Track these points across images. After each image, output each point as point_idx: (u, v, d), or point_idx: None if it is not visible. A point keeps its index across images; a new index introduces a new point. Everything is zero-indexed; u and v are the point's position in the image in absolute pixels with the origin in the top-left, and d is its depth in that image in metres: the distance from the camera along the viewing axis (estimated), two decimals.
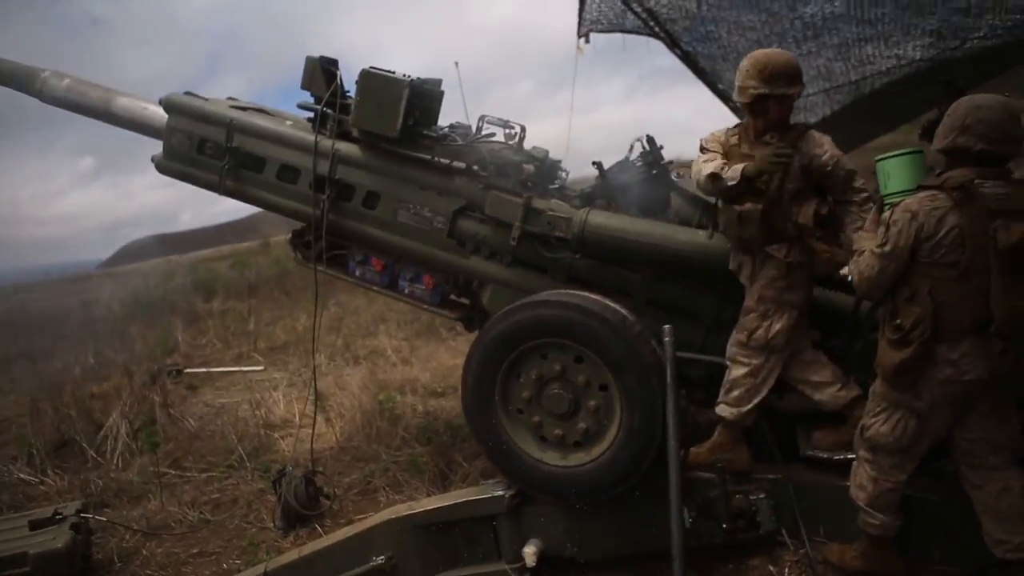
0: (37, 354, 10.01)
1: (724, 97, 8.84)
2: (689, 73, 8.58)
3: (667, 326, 3.05)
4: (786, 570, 3.04)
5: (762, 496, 3.08)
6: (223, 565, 4.01)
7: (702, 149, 3.15)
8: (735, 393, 3.14)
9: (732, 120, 9.26)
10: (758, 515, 3.06)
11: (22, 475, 5.40)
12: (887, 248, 2.52)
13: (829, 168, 2.98)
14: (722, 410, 3.18)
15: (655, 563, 3.18)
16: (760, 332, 3.07)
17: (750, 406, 3.13)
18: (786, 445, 3.29)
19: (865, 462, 2.76)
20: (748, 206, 2.96)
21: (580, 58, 8.09)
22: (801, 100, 9.04)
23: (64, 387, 7.34)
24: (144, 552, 4.22)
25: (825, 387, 3.17)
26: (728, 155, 3.07)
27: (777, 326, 3.05)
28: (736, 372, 3.15)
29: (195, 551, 4.19)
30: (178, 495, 4.86)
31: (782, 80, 2.94)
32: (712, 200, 3.27)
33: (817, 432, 3.24)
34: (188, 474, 5.18)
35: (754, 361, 3.11)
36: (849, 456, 3.06)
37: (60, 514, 3.88)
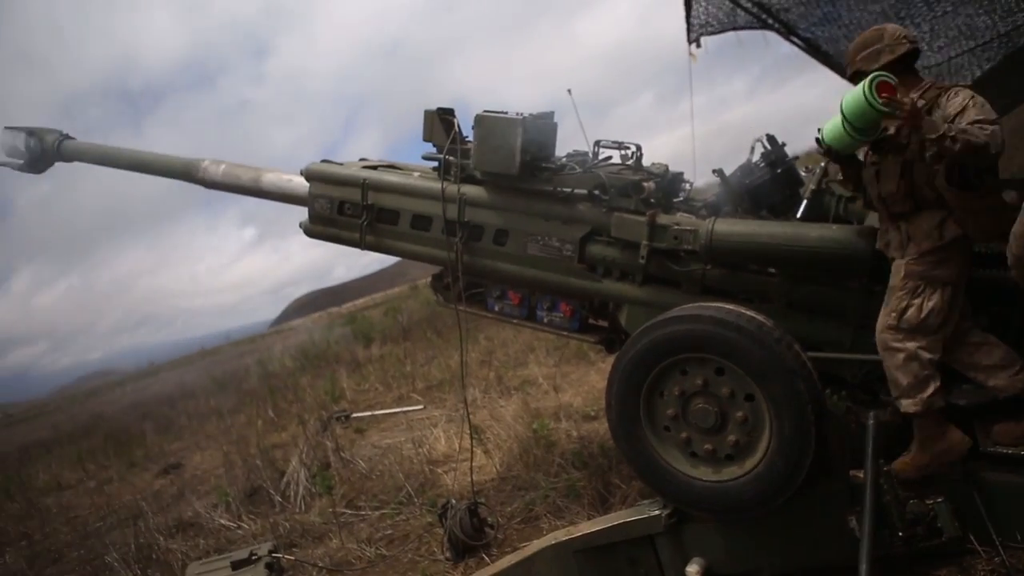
0: (225, 411, 11.04)
1: None
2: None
3: (872, 413, 2.95)
4: None
5: (940, 500, 2.86)
6: None
7: None
8: (905, 383, 2.90)
9: None
10: (938, 520, 2.84)
11: (222, 521, 5.99)
12: None
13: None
14: (905, 406, 2.93)
15: None
16: (911, 312, 2.86)
17: (930, 391, 2.87)
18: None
19: None
20: (888, 159, 2.86)
21: (695, 64, 7.98)
22: (945, 64, 8.40)
23: (250, 439, 8.09)
24: None
25: (999, 371, 2.91)
26: None
27: (930, 304, 2.84)
28: (894, 360, 2.92)
29: None
30: (355, 533, 5.19)
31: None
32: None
33: (998, 426, 2.97)
34: (363, 512, 5.52)
35: (909, 345, 2.88)
36: None
37: (256, 555, 4.27)
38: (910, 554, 2.93)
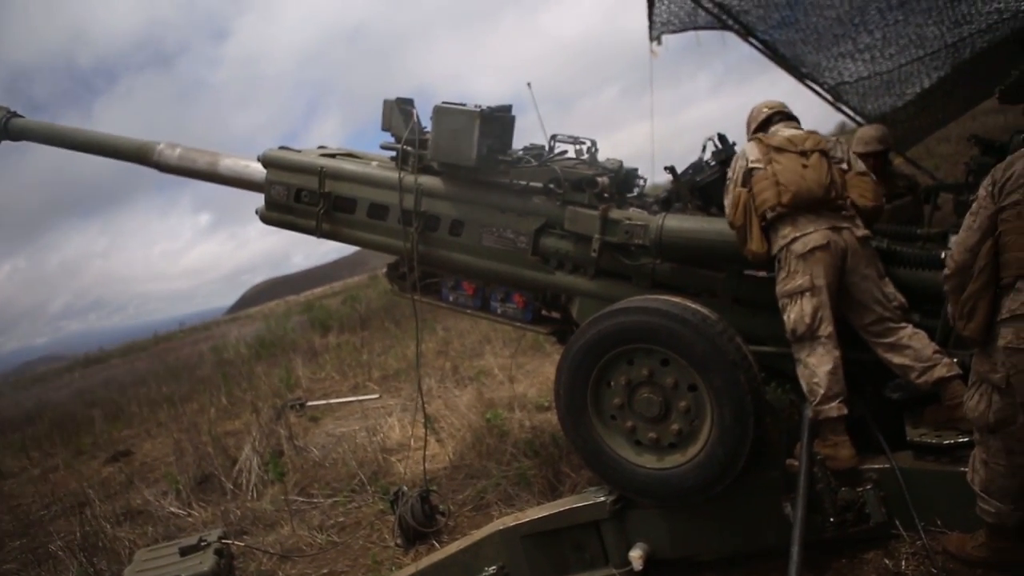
0: (177, 398, 10.87)
1: (809, 81, 8.57)
2: None
3: (807, 405, 3.14)
4: (903, 563, 2.94)
5: (868, 488, 3.00)
6: None
7: None
8: (805, 389, 3.17)
9: (820, 104, 8.94)
10: (866, 507, 2.98)
11: (172, 509, 5.92)
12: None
13: None
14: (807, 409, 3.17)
15: (765, 561, 3.16)
16: (788, 325, 3.16)
17: (816, 400, 3.11)
18: (896, 434, 3.20)
19: (977, 443, 2.66)
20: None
21: (657, 61, 8.08)
22: (895, 71, 8.64)
23: (202, 427, 8.00)
24: (280, 574, 4.56)
25: (910, 370, 3.11)
26: None
27: (793, 315, 3.12)
28: (797, 370, 3.19)
29: (325, 571, 4.48)
30: (307, 520, 5.20)
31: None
32: None
33: (928, 408, 3.18)
34: (315, 500, 5.52)
35: (800, 355, 3.16)
36: (960, 440, 2.95)
37: (205, 541, 4.23)
38: (840, 539, 3.08)
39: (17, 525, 6.80)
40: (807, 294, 3.10)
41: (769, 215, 3.21)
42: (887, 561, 2.98)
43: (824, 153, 3.28)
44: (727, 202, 3.35)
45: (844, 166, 3.34)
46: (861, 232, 3.20)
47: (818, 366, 3.10)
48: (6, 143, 5.69)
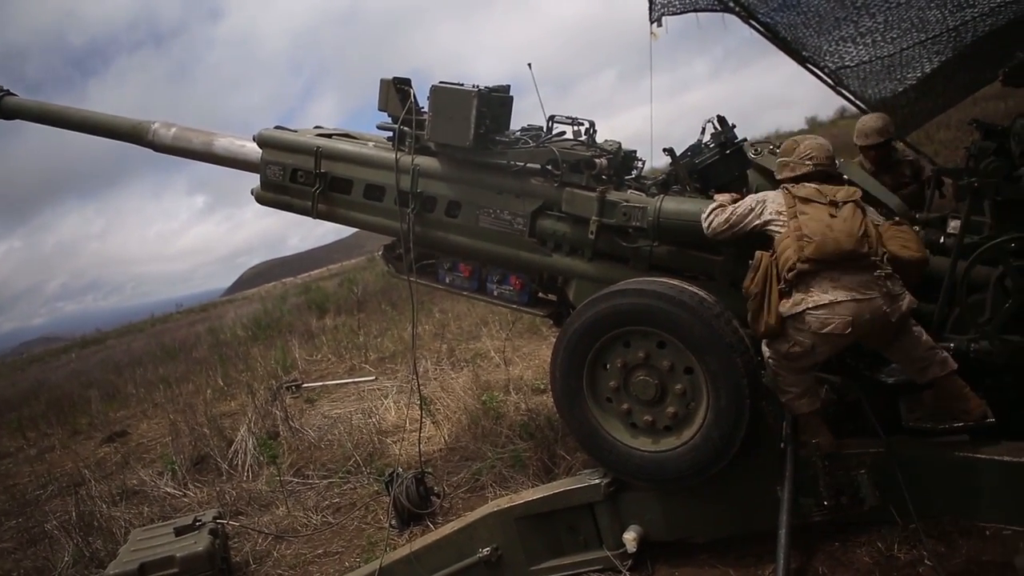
0: (173, 379, 10.86)
1: (810, 64, 8.50)
2: None
3: None
4: (895, 546, 2.96)
5: (863, 472, 3.00)
6: (345, 563, 4.28)
7: None
8: (773, 386, 3.19)
9: (822, 88, 8.87)
10: (860, 491, 2.99)
11: (168, 489, 5.93)
12: None
13: None
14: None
15: (758, 543, 3.17)
16: (775, 354, 3.10)
17: (788, 397, 3.14)
18: (891, 419, 3.20)
19: None
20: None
21: (657, 43, 8.00)
22: (897, 55, 8.57)
23: (198, 408, 8.00)
24: (275, 554, 4.57)
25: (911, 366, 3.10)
26: None
27: (784, 349, 3.06)
28: (767, 363, 3.19)
29: (320, 552, 4.49)
30: (302, 501, 5.20)
31: None
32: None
33: (925, 391, 3.16)
34: (310, 481, 5.52)
35: (766, 350, 3.15)
36: (955, 425, 2.95)
37: (200, 521, 4.26)
38: (835, 522, 3.09)
39: (13, 505, 6.80)
40: (803, 357, 3.01)
41: (787, 276, 2.91)
42: (880, 545, 3.00)
43: (859, 205, 3.00)
44: (720, 218, 3.17)
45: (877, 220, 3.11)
46: (898, 304, 2.88)
47: (788, 378, 3.12)
48: (0, 122, 5.64)
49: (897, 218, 3.22)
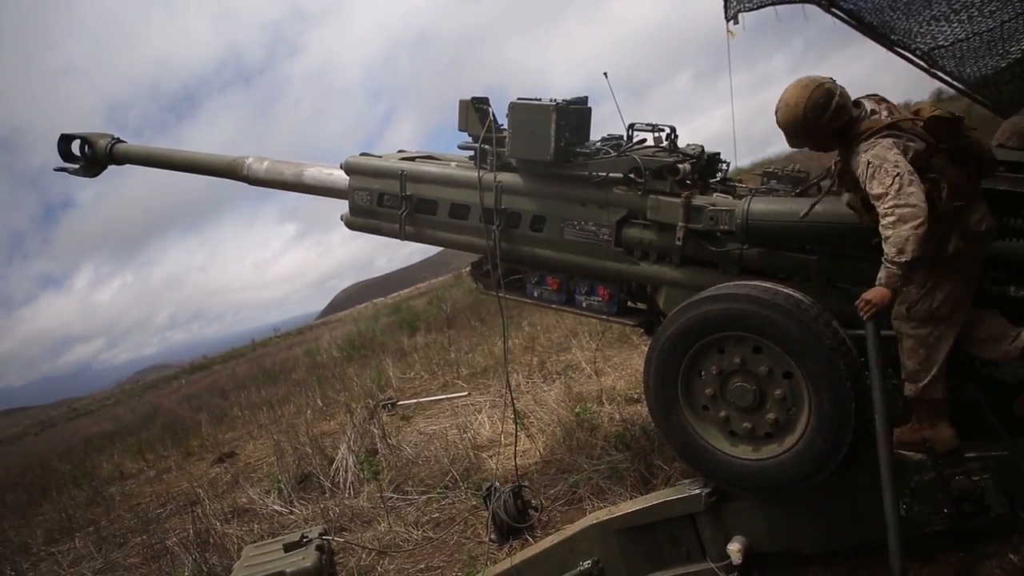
0: (275, 401, 11.33)
1: (900, 48, 8.11)
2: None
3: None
4: None
5: (987, 476, 2.82)
6: None
7: None
8: (909, 367, 3.00)
9: (912, 72, 8.45)
10: (984, 497, 2.80)
11: (275, 507, 6.18)
12: None
13: None
14: (906, 390, 3.03)
15: (870, 554, 3.02)
16: (922, 304, 2.92)
17: (928, 379, 2.95)
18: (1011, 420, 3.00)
19: None
20: None
21: (734, 41, 7.82)
22: (997, 29, 8.06)
23: (299, 428, 8.31)
24: (379, 569, 4.69)
25: (990, 342, 2.96)
26: None
27: (940, 295, 2.88)
28: (903, 346, 3.01)
29: (422, 566, 4.57)
30: (403, 516, 5.31)
31: None
32: None
33: None
34: (409, 497, 5.64)
35: (919, 331, 2.95)
36: None
37: (307, 538, 4.40)
38: (957, 531, 2.91)
39: (137, 523, 7.23)
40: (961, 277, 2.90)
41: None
42: (1012, 556, 2.80)
43: None
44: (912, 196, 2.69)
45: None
46: None
47: (935, 346, 2.94)
48: (111, 168, 6.05)
49: None
